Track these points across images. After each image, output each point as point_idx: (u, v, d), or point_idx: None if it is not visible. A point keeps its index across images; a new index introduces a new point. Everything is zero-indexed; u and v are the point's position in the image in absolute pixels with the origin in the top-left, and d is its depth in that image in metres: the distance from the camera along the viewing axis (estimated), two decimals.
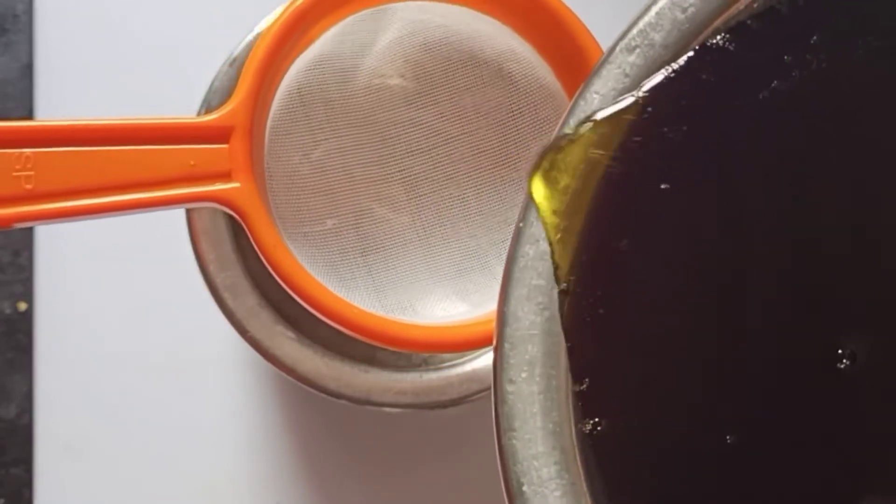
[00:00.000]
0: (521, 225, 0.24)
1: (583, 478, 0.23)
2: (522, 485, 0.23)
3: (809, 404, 0.25)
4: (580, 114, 0.26)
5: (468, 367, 0.43)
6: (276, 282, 0.39)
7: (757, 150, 0.26)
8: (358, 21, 0.39)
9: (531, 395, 0.24)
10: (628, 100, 0.26)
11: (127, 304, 0.51)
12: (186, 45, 0.52)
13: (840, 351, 0.25)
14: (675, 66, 0.26)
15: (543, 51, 0.39)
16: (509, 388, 0.24)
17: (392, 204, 0.41)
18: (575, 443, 0.24)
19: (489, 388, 0.25)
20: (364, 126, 0.41)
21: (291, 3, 0.37)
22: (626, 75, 0.26)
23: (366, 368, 0.42)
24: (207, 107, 0.41)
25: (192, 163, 0.36)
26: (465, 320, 0.39)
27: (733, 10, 0.26)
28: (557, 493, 0.23)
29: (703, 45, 0.26)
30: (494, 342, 0.24)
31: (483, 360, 0.42)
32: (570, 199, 0.24)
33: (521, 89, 0.40)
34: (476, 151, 0.41)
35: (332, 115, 0.40)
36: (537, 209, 0.25)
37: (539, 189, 0.25)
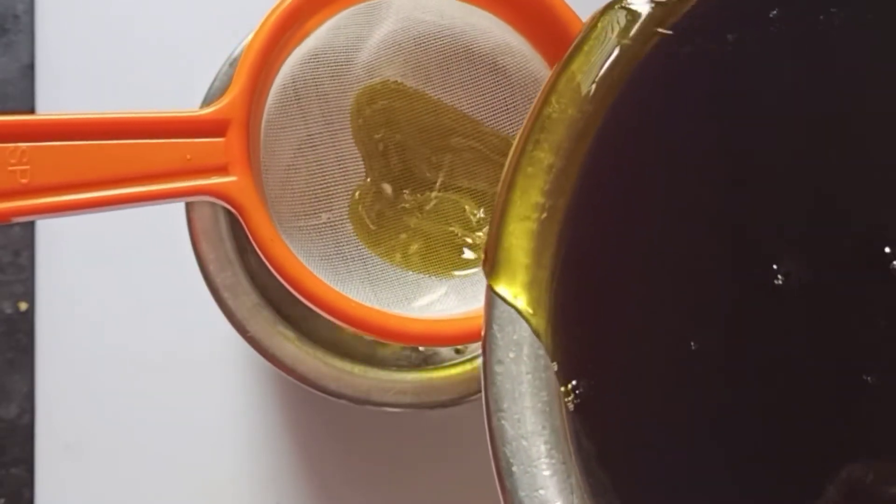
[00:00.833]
0: (505, 206, 0.25)
1: (573, 455, 0.24)
2: (512, 465, 0.24)
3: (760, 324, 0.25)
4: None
5: (468, 367, 0.43)
6: (276, 281, 0.40)
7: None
8: (352, 15, 0.39)
9: (519, 375, 0.24)
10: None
11: (127, 304, 0.51)
12: (187, 44, 0.52)
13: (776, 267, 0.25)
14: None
15: (538, 44, 0.39)
16: (498, 368, 0.24)
17: (386, 198, 0.41)
18: (565, 420, 0.24)
19: None
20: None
21: None
22: None
23: (366, 368, 0.43)
24: None
25: (188, 156, 0.36)
26: (460, 314, 0.39)
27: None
28: (547, 473, 0.24)
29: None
30: (483, 324, 0.24)
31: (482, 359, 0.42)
32: (553, 178, 0.24)
33: (516, 83, 0.41)
34: (470, 145, 0.41)
35: (326, 109, 0.40)
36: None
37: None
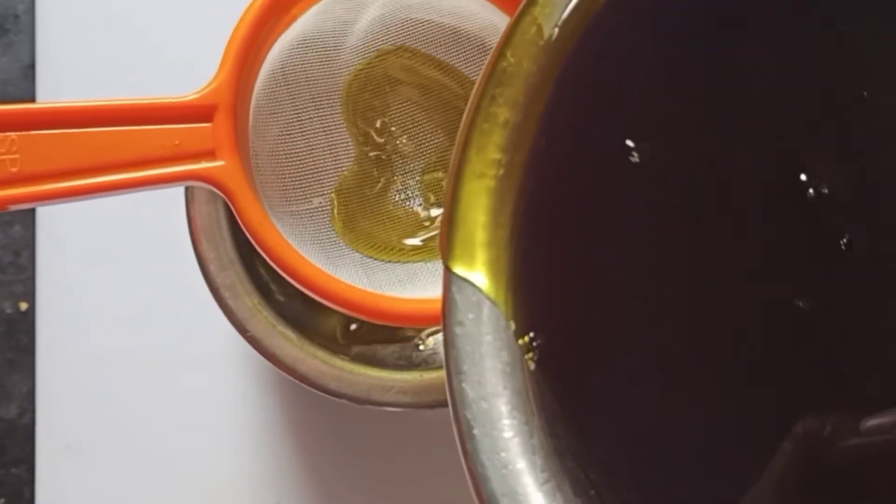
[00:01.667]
0: (461, 164, 0.25)
1: (536, 415, 0.24)
2: (473, 427, 0.24)
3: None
4: None
5: None
6: (276, 281, 0.40)
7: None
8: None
9: (479, 336, 0.24)
10: None
11: (127, 304, 0.52)
12: (188, 44, 0.52)
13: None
14: None
15: None
16: (458, 330, 0.24)
17: (378, 182, 0.42)
18: (527, 380, 0.24)
19: None
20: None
21: None
22: None
23: (366, 368, 0.43)
24: None
25: (176, 142, 0.37)
26: None
27: None
28: (509, 434, 0.24)
29: None
30: (442, 286, 0.25)
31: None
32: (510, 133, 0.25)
33: None
34: (459, 128, 0.41)
35: (315, 94, 0.41)
36: None
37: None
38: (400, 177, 0.42)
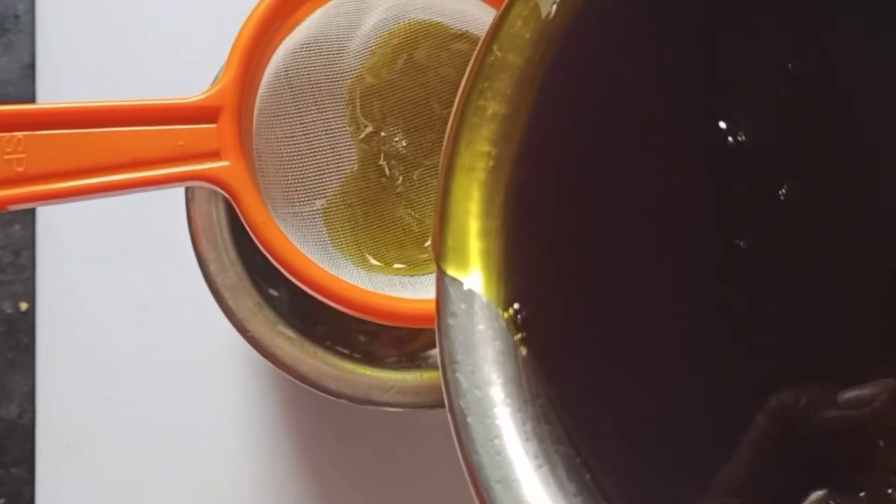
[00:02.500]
0: (452, 157, 0.26)
1: (529, 403, 0.25)
2: (467, 416, 0.25)
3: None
4: None
5: None
6: (276, 281, 0.41)
7: None
8: (343, 3, 0.41)
9: (471, 326, 0.25)
10: None
11: (127, 304, 0.53)
12: (188, 44, 0.54)
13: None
14: None
15: None
16: (451, 321, 0.25)
17: (381, 184, 0.43)
18: (520, 367, 0.25)
19: None
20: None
21: None
22: None
23: (366, 368, 0.44)
24: None
25: (181, 143, 0.38)
26: None
27: None
28: (502, 422, 0.25)
29: None
30: (435, 278, 0.26)
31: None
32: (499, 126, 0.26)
33: None
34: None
35: (319, 97, 0.42)
36: None
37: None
38: (401, 178, 0.43)
